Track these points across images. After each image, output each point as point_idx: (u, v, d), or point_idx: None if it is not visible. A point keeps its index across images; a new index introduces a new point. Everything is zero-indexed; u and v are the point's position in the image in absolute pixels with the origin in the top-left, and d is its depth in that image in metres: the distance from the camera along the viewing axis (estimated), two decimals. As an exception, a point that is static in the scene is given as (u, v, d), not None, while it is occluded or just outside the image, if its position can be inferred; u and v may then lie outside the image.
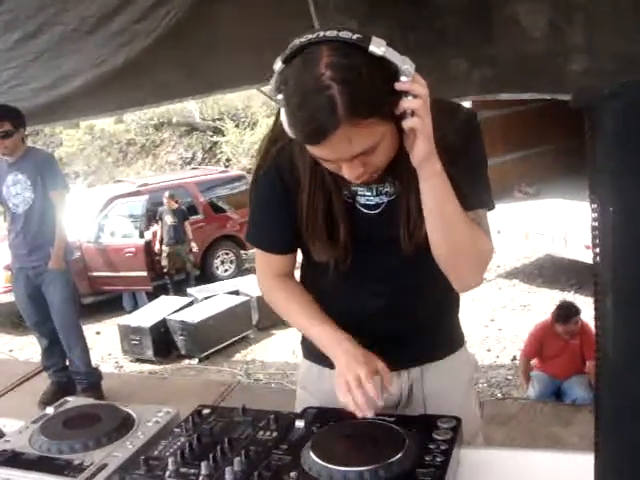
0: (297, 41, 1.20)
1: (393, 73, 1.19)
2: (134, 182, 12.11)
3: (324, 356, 1.55)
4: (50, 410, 1.65)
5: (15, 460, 1.42)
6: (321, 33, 1.18)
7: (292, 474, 1.26)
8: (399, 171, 1.39)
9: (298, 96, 1.19)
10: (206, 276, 10.74)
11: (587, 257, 8.05)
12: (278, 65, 1.22)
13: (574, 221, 8.29)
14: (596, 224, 0.74)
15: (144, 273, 9.62)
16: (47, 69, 4.55)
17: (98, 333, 8.78)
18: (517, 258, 10.37)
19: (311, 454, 1.30)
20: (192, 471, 1.30)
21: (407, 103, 1.21)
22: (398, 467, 1.25)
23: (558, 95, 3.84)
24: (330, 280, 1.56)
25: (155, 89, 4.67)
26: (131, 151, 20.00)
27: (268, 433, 1.44)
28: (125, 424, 1.54)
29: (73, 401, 1.73)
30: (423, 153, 1.27)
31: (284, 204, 1.51)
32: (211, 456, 1.32)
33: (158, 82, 4.57)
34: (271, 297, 1.65)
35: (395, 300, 1.59)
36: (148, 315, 7.91)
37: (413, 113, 1.22)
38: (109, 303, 9.84)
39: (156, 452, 1.39)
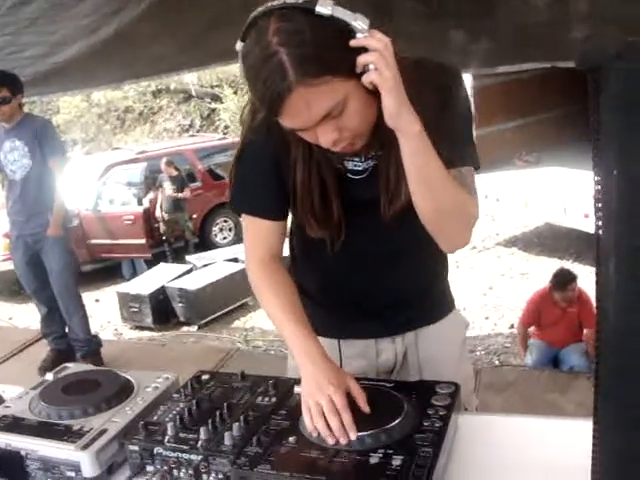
0: (251, 16, 1.21)
1: (347, 31, 1.18)
2: (132, 149, 12.07)
3: (315, 327, 1.52)
4: (50, 376, 1.65)
5: (15, 426, 1.43)
6: (269, 4, 1.19)
7: (291, 439, 1.26)
8: (380, 135, 1.37)
9: (253, 69, 1.20)
10: (205, 243, 10.74)
11: (586, 226, 8.06)
12: (238, 44, 1.24)
13: (574, 190, 8.27)
14: (599, 187, 0.73)
15: (143, 241, 9.62)
16: (41, 36, 4.48)
17: (97, 301, 8.80)
18: (516, 226, 10.36)
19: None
20: (191, 436, 1.30)
21: (362, 58, 1.19)
22: (397, 432, 1.25)
23: (558, 63, 3.81)
24: (322, 251, 1.55)
25: (150, 62, 4.61)
26: (129, 118, 19.86)
27: (267, 398, 1.44)
28: (124, 390, 1.55)
29: (72, 367, 1.73)
30: (391, 108, 1.23)
31: (274, 172, 1.49)
32: (210, 421, 1.33)
33: (153, 55, 4.51)
34: (256, 286, 1.57)
35: (385, 266, 1.59)
36: (147, 282, 7.92)
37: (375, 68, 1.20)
38: (108, 271, 9.85)
39: (155, 417, 1.40)
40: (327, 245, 1.54)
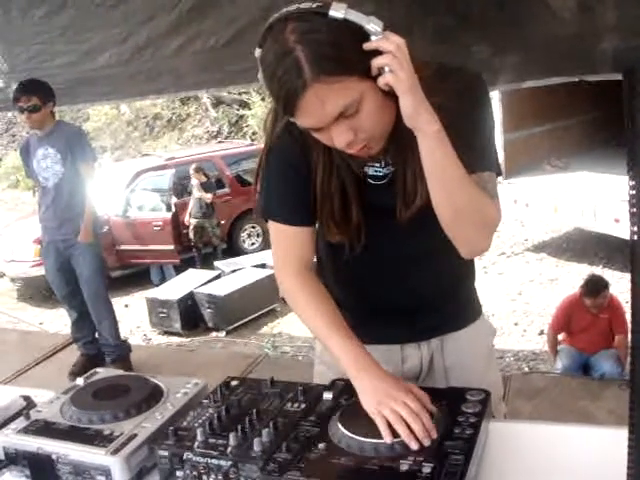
0: (267, 23, 1.24)
1: (362, 34, 1.20)
2: (161, 156, 12.13)
3: None
4: (80, 381, 1.66)
5: (46, 430, 1.44)
6: (284, 10, 1.22)
7: (320, 446, 1.26)
8: (398, 139, 1.37)
9: (270, 68, 1.22)
10: (233, 249, 10.77)
11: (617, 231, 7.97)
12: (257, 51, 1.26)
13: (604, 194, 8.18)
14: (634, 192, 0.71)
15: (171, 246, 9.65)
16: (72, 44, 4.54)
17: (126, 306, 8.86)
18: (545, 232, 10.28)
19: (339, 426, 1.30)
20: (220, 442, 1.30)
21: (377, 61, 1.20)
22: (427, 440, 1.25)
23: (587, 76, 3.73)
24: (345, 256, 1.55)
25: (173, 78, 4.63)
26: (158, 125, 20.02)
27: (296, 405, 1.44)
28: (154, 395, 1.55)
29: (102, 372, 1.74)
30: (409, 109, 1.24)
31: (298, 177, 1.49)
32: (239, 427, 1.33)
33: (176, 71, 4.53)
34: (292, 298, 1.56)
35: (407, 270, 1.59)
36: (176, 288, 7.96)
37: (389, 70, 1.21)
38: (137, 276, 9.91)
39: (185, 423, 1.40)
40: (346, 249, 1.53)
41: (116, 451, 1.34)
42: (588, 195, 8.43)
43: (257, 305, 7.84)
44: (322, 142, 1.35)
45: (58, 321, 8.17)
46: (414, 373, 1.68)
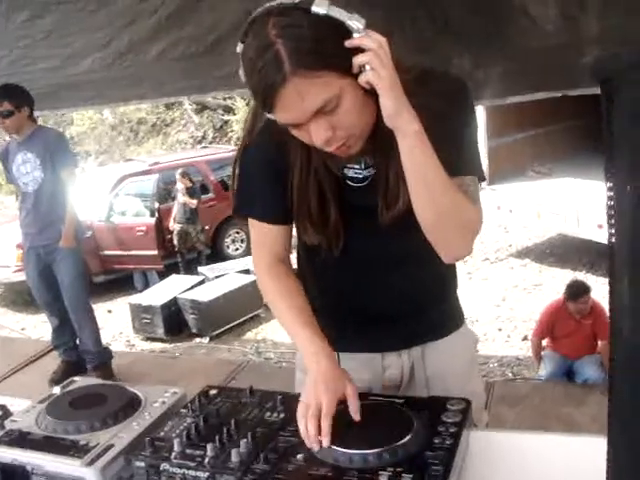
0: (249, 18, 1.23)
1: (344, 31, 1.20)
2: (145, 161, 12.09)
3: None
4: (57, 390, 1.64)
5: (21, 440, 1.42)
6: (266, 5, 1.22)
7: (299, 456, 1.25)
8: (379, 140, 1.36)
9: (250, 61, 1.22)
10: (217, 255, 10.75)
11: (600, 237, 8.01)
12: (238, 47, 1.25)
13: (587, 200, 8.23)
14: (612, 203, 0.71)
15: (155, 252, 9.62)
16: (55, 49, 4.51)
17: (109, 312, 8.81)
18: (529, 237, 10.32)
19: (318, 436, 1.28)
20: (198, 452, 1.29)
21: (358, 58, 1.20)
22: (405, 450, 1.23)
23: (569, 91, 3.71)
24: (324, 259, 1.54)
25: (154, 84, 4.61)
26: (142, 130, 19.97)
27: (275, 414, 1.42)
28: (132, 404, 1.53)
29: (80, 381, 1.72)
30: (389, 108, 1.24)
31: (274, 175, 1.49)
32: (217, 437, 1.31)
33: (157, 77, 4.52)
34: (264, 290, 1.60)
35: (390, 276, 1.57)
36: (159, 294, 7.93)
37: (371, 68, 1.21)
38: (120, 282, 9.86)
39: (162, 433, 1.38)
40: (323, 250, 1.52)
41: (92, 462, 1.32)
42: (571, 201, 8.47)
43: (241, 311, 7.82)
44: (300, 141, 1.34)
45: (40, 327, 8.12)
46: (395, 382, 1.66)
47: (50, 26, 4.36)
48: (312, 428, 1.28)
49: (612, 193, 0.70)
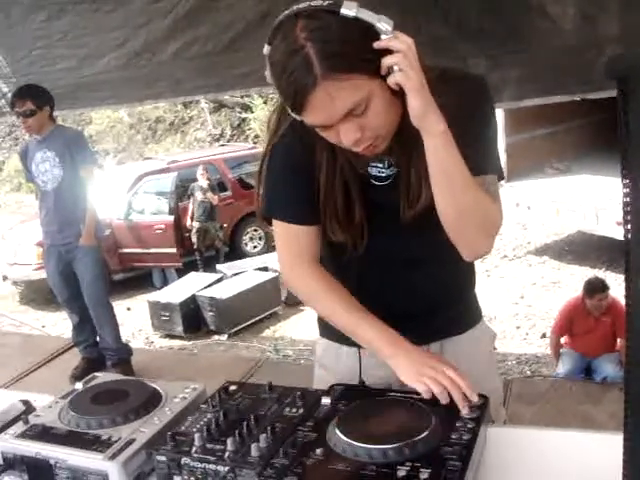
0: (276, 20, 1.24)
1: (372, 33, 1.21)
2: (163, 159, 12.13)
3: (342, 334, 1.54)
4: (79, 385, 1.66)
5: (45, 434, 1.44)
6: (294, 7, 1.22)
7: (318, 451, 1.25)
8: (403, 139, 1.38)
9: (279, 64, 1.22)
10: (235, 252, 10.77)
11: (619, 234, 7.94)
12: (265, 49, 1.26)
13: (606, 197, 8.17)
14: (628, 199, 0.71)
15: (174, 250, 9.66)
16: (72, 49, 4.55)
17: (129, 309, 8.86)
18: (547, 235, 10.27)
19: (337, 431, 1.29)
20: (218, 447, 1.30)
21: (387, 60, 1.21)
22: (424, 445, 1.24)
23: (589, 94, 3.64)
24: (347, 258, 1.55)
25: (170, 83, 4.63)
26: (160, 128, 20.03)
27: (294, 410, 1.43)
28: (152, 400, 1.55)
29: (102, 377, 1.74)
30: (417, 109, 1.26)
31: (301, 176, 1.49)
32: (237, 432, 1.32)
33: (173, 76, 4.53)
34: (303, 292, 1.59)
35: (411, 273, 1.59)
36: (178, 291, 7.96)
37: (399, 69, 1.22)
38: (139, 279, 9.91)
39: (183, 428, 1.40)
40: (349, 249, 1.53)
41: (114, 456, 1.33)
42: (590, 198, 8.42)
43: (259, 308, 7.84)
44: (326, 141, 1.36)
45: (60, 324, 8.17)
46: None
47: (66, 27, 4.40)
48: (458, 394, 1.36)
49: (628, 189, 0.70)
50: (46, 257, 4.95)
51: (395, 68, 1.22)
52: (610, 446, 1.36)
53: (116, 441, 1.38)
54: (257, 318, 7.83)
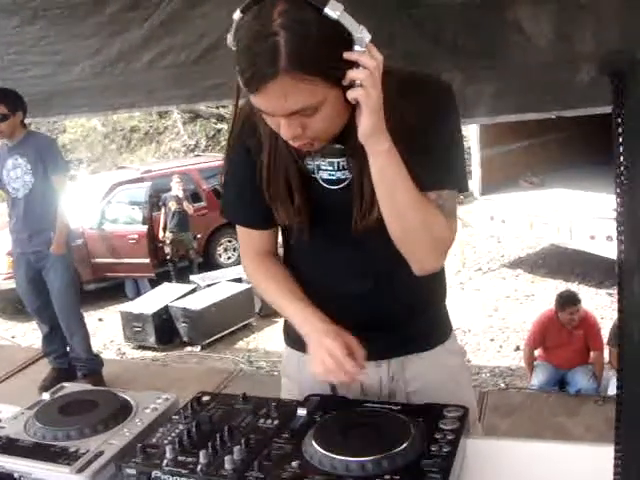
0: None
1: (347, 41, 1.18)
2: (137, 168, 12.06)
3: (304, 343, 1.51)
4: (46, 396, 1.61)
5: (10, 447, 1.39)
6: None
7: (293, 463, 1.22)
8: (353, 147, 1.34)
9: (246, 39, 1.18)
10: (209, 263, 10.71)
11: (592, 247, 8.03)
12: (236, 14, 1.20)
13: (580, 211, 8.26)
14: (621, 203, 0.68)
15: (147, 260, 9.59)
16: (46, 55, 4.51)
17: (100, 320, 8.77)
18: (521, 248, 10.35)
19: (313, 443, 1.26)
20: (190, 459, 1.26)
21: (353, 73, 1.19)
22: (402, 457, 1.21)
23: (564, 112, 3.64)
24: (305, 260, 1.58)
25: (144, 92, 4.59)
26: (135, 138, 19.93)
27: (269, 421, 1.40)
28: (122, 411, 1.51)
29: (70, 387, 1.69)
30: (367, 128, 1.24)
31: (254, 177, 1.48)
32: (210, 444, 1.28)
33: (147, 85, 4.50)
34: (252, 278, 1.64)
35: (367, 282, 1.53)
36: (150, 302, 7.89)
37: (361, 85, 1.19)
38: (112, 290, 9.82)
39: (154, 440, 1.36)
40: (295, 234, 1.53)
41: (82, 469, 1.29)
42: (564, 212, 8.49)
43: (233, 320, 7.80)
44: (276, 137, 1.35)
45: (30, 335, 8.07)
46: (373, 394, 1.60)
47: (40, 33, 4.35)
48: (346, 368, 1.36)
49: (620, 191, 0.68)
50: (15, 265, 4.87)
51: (357, 83, 1.19)
52: (588, 458, 1.36)
53: (84, 453, 1.34)
54: (231, 329, 7.78)
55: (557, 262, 9.47)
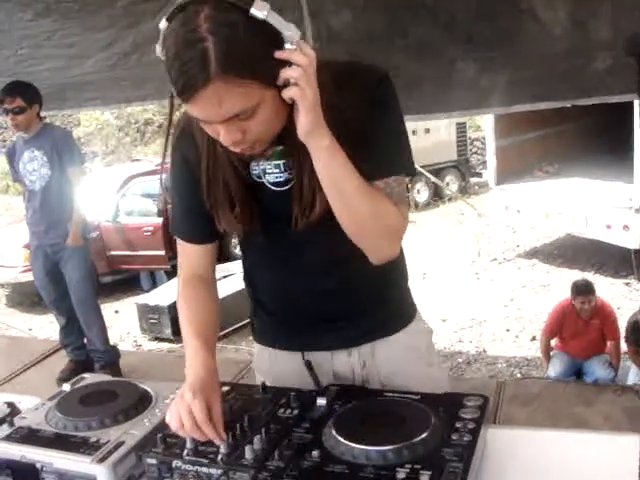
0: (181, 0, 1.16)
1: (278, 40, 1.16)
2: (152, 161, 12.07)
3: (272, 339, 1.59)
4: (67, 387, 1.62)
5: (31, 437, 1.40)
6: None
7: (314, 453, 1.22)
8: (292, 146, 1.33)
9: (174, 47, 1.15)
10: (224, 255, 10.71)
11: (608, 237, 7.99)
12: (162, 23, 1.19)
13: (595, 201, 8.21)
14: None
15: (162, 252, 9.58)
16: (59, 49, 4.52)
17: (117, 312, 8.80)
18: (537, 238, 10.29)
19: (333, 432, 1.26)
20: (210, 449, 1.27)
21: (286, 72, 1.17)
22: (423, 446, 1.21)
23: (579, 100, 3.61)
24: (265, 264, 1.60)
25: (157, 84, 4.60)
26: (149, 131, 19.99)
27: (289, 411, 1.40)
28: (142, 401, 1.51)
29: (90, 378, 1.70)
30: (305, 126, 1.23)
31: (193, 189, 1.48)
32: (230, 434, 1.29)
33: (160, 77, 4.51)
34: (178, 298, 1.64)
35: (321, 278, 1.54)
36: (166, 294, 7.90)
37: (296, 83, 1.18)
38: (127, 282, 9.86)
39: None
40: (241, 237, 1.55)
41: (102, 459, 1.30)
42: (580, 201, 8.44)
43: (248, 311, 7.73)
44: (214, 144, 1.35)
45: (47, 327, 8.11)
46: (347, 381, 1.61)
47: (53, 26, 4.36)
48: (206, 429, 1.27)
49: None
50: (33, 258, 4.90)
51: (292, 81, 1.18)
52: (607, 447, 1.37)
53: (105, 444, 1.35)
54: (246, 321, 7.75)
55: (573, 252, 9.41)
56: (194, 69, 1.12)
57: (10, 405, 1.60)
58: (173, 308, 7.49)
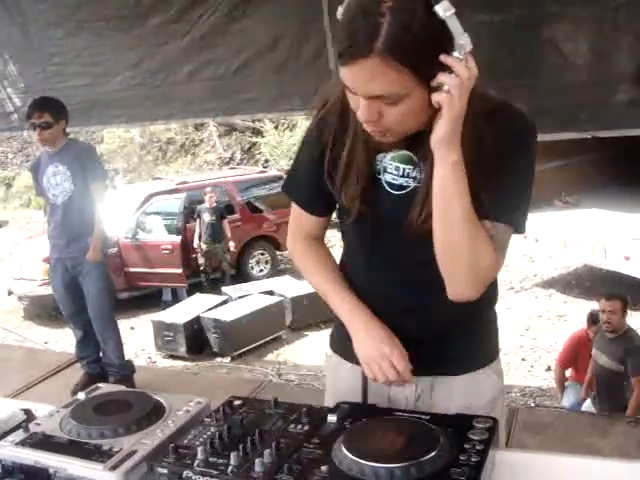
0: None
1: (448, 44, 1.18)
2: (172, 180, 12.18)
3: (344, 349, 1.58)
4: (82, 395, 1.64)
5: (45, 443, 1.41)
6: None
7: (323, 468, 1.23)
8: (423, 155, 1.36)
9: (353, 12, 1.19)
10: (241, 275, 10.76)
11: (626, 268, 7.94)
12: None
13: (614, 232, 8.18)
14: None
15: (179, 270, 9.65)
16: (87, 66, 4.61)
17: (132, 328, 8.83)
18: (555, 267, 10.24)
19: (343, 449, 1.27)
20: (221, 461, 1.28)
21: (444, 77, 1.19)
22: (431, 466, 1.21)
23: (600, 132, 3.61)
24: (354, 262, 1.60)
25: (182, 104, 4.66)
26: (171, 150, 20.15)
27: (300, 426, 1.41)
28: (155, 412, 1.53)
29: (105, 387, 1.72)
30: (441, 134, 1.25)
31: (322, 161, 1.50)
32: (241, 447, 1.30)
33: (185, 97, 4.57)
34: (299, 260, 1.66)
35: (408, 293, 1.52)
36: (182, 312, 7.94)
37: (449, 91, 1.20)
38: (144, 299, 9.89)
39: (185, 441, 1.38)
40: (352, 215, 1.49)
41: (114, 467, 1.31)
42: (598, 232, 8.42)
43: (263, 332, 7.82)
44: (360, 129, 1.36)
45: (63, 341, 8.15)
46: (398, 407, 1.56)
47: (83, 44, 4.45)
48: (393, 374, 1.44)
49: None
50: (52, 270, 4.95)
51: (445, 88, 1.20)
52: (617, 474, 1.35)
53: (117, 452, 1.36)
54: (261, 342, 7.80)
55: (591, 283, 9.36)
56: (362, 38, 1.16)
57: (26, 412, 1.62)
58: (188, 326, 7.55)
